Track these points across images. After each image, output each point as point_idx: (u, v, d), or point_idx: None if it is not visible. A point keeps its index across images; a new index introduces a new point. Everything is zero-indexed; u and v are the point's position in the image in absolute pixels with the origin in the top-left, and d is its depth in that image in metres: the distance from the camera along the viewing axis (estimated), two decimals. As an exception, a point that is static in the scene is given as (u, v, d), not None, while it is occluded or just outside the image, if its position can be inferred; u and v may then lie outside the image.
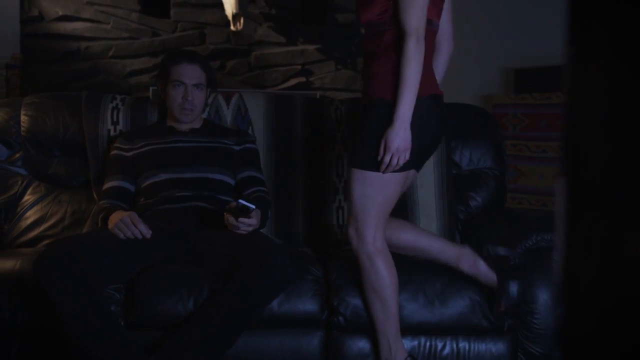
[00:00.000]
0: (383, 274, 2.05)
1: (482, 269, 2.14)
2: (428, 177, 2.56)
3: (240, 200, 2.01)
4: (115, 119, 2.60)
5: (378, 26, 2.01)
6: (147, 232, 2.12)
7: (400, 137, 1.93)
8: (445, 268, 2.21)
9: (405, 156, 1.96)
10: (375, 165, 2.00)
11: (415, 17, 1.92)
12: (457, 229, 2.57)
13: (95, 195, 2.56)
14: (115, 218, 2.15)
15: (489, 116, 2.75)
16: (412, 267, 2.21)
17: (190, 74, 2.42)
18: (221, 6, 4.38)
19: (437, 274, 2.20)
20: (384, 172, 1.99)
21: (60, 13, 4.52)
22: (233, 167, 2.44)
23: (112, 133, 2.58)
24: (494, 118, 2.76)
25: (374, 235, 2.04)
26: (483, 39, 4.63)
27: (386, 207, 2.06)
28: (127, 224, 2.10)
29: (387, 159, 1.95)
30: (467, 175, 2.66)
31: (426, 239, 2.20)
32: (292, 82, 4.70)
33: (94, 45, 4.58)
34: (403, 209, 2.53)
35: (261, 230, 2.29)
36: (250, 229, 2.12)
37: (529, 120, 4.17)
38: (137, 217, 2.14)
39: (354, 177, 2.03)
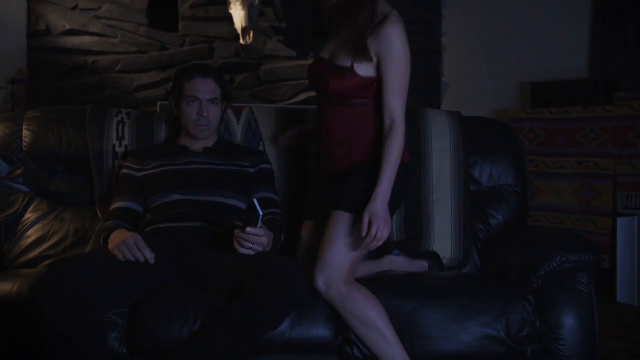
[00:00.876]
0: (361, 301, 2.00)
1: (408, 265, 2.37)
2: (444, 194, 2.46)
3: (255, 200, 1.92)
4: (120, 134, 2.51)
5: (364, 104, 2.07)
6: (151, 257, 2.02)
7: (385, 212, 1.98)
8: (458, 293, 2.11)
9: (388, 231, 1.98)
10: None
11: (402, 106, 2.03)
12: (476, 249, 2.46)
13: (99, 214, 2.47)
14: (116, 238, 2.06)
15: (510, 130, 2.64)
16: (420, 292, 2.10)
17: (205, 88, 2.34)
18: (230, 20, 4.34)
19: (449, 299, 2.08)
20: (365, 247, 2.00)
21: (68, 27, 4.49)
22: (247, 191, 2.36)
23: (117, 148, 2.50)
24: (515, 132, 2.65)
25: (345, 277, 2.02)
26: (498, 52, 4.58)
27: (361, 256, 2.09)
28: (129, 246, 2.01)
29: (374, 232, 1.96)
30: (487, 192, 2.55)
31: (365, 268, 2.27)
32: (302, 96, 4.62)
33: (101, 60, 4.54)
34: (417, 227, 2.44)
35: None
36: (260, 249, 2.02)
37: (546, 136, 4.07)
38: (140, 239, 2.05)
39: (341, 221, 2.03)
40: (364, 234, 1.97)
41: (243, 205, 2.32)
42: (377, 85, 2.04)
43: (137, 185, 2.32)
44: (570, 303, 2.07)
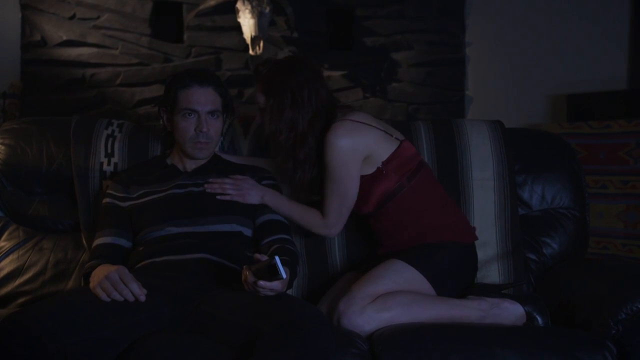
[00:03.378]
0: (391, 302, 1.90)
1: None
2: (489, 235, 2.15)
3: (277, 258, 1.58)
4: (109, 150, 2.20)
5: (400, 187, 2.05)
6: (141, 293, 1.68)
7: (258, 192, 2.05)
8: (521, 340, 1.74)
9: (239, 195, 2.03)
10: (425, 270, 1.99)
11: (335, 208, 2.06)
12: (527, 282, 2.11)
13: (84, 242, 2.17)
14: (99, 274, 1.73)
15: (565, 145, 2.29)
16: (477, 341, 1.72)
17: (203, 99, 2.02)
18: (239, 29, 4.13)
19: (511, 348, 1.69)
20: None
21: (65, 38, 4.25)
22: (251, 214, 2.06)
23: (105, 167, 2.20)
24: (572, 147, 2.29)
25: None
26: (527, 63, 4.32)
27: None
28: (114, 281, 1.67)
29: (239, 181, 2.04)
30: (539, 216, 2.22)
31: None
32: (317, 111, 4.33)
33: (100, 72, 4.28)
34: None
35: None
36: (272, 294, 1.69)
37: (586, 152, 3.77)
38: (126, 272, 1.71)
39: (395, 267, 1.99)
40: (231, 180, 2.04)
41: (248, 232, 2.01)
42: (390, 160, 2.03)
43: (123, 217, 2.01)
44: (659, 355, 1.69)
